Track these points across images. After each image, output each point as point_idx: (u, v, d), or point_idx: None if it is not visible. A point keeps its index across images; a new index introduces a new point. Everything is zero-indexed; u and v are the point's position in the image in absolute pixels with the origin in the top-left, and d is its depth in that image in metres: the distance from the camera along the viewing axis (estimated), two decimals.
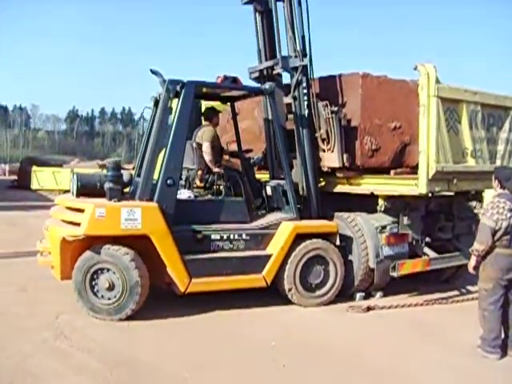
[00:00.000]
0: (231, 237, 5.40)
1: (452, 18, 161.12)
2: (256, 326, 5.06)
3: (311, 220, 5.90)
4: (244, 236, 5.47)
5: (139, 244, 4.98)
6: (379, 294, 6.20)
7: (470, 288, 6.64)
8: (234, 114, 6.62)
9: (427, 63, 5.81)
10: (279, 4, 6.11)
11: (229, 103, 6.66)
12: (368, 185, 6.16)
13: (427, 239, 6.49)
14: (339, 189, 6.42)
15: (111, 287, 4.87)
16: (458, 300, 6.24)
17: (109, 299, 4.88)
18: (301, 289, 5.63)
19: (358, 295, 6.07)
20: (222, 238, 5.35)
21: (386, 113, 6.06)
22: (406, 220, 6.09)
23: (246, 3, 6.37)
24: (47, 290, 5.79)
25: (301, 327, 5.11)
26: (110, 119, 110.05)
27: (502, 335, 4.45)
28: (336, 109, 5.89)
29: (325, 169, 6.24)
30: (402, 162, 6.21)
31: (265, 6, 6.26)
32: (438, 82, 5.72)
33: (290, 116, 6.19)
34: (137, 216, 4.87)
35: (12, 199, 18.65)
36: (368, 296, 6.16)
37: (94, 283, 4.90)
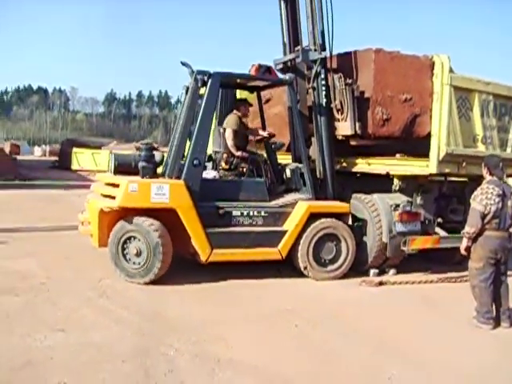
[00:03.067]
0: (251, 213, 5.84)
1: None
2: (273, 293, 5.49)
3: (325, 201, 6.28)
4: (263, 213, 5.90)
5: (167, 217, 5.50)
6: (392, 271, 6.52)
7: None
8: (260, 102, 7.01)
9: (442, 54, 6.13)
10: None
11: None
12: (384, 165, 6.48)
13: (439, 220, 6.78)
14: (358, 169, 6.77)
15: (139, 253, 5.44)
16: (466, 279, 6.48)
17: (138, 264, 5.45)
18: (314, 264, 6.04)
19: (372, 271, 6.42)
20: (242, 214, 5.81)
21: (398, 86, 6.23)
22: (419, 200, 6.44)
23: None
24: (89, 258, 6.40)
25: (315, 296, 5.53)
26: (147, 102, 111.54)
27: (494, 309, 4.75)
28: (350, 81, 6.22)
29: (339, 137, 6.51)
30: (412, 132, 6.39)
31: None
32: (451, 71, 6.01)
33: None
34: (165, 191, 5.40)
35: (53, 178, 19.60)
36: (382, 273, 6.48)
37: (125, 252, 5.48)
